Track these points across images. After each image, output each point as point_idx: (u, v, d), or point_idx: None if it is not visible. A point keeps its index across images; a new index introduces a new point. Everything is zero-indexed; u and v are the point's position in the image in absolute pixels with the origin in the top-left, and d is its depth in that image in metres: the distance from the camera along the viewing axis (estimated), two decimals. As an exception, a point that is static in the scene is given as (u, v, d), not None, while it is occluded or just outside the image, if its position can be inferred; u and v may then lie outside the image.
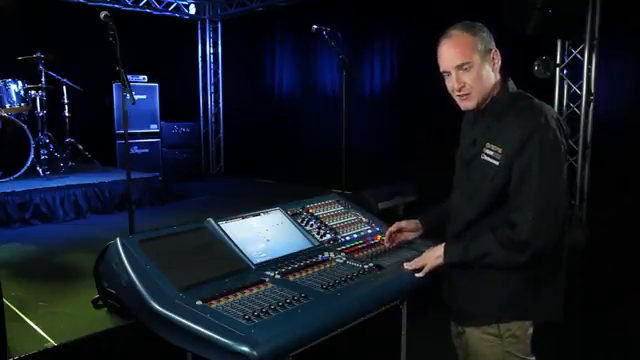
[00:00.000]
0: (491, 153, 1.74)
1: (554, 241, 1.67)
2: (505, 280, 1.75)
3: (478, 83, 1.76)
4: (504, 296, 1.77)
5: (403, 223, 2.22)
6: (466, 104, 1.81)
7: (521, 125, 1.68)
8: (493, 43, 1.79)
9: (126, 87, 3.13)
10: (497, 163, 1.72)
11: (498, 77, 1.81)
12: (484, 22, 1.82)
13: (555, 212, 1.67)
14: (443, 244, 1.88)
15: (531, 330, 1.81)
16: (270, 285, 1.81)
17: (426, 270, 1.90)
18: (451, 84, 1.80)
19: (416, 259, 1.95)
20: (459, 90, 1.78)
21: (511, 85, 1.83)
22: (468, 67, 1.75)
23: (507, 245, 1.67)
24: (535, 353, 1.87)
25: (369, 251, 2.21)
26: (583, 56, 4.88)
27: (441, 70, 1.82)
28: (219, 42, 9.04)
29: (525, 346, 1.81)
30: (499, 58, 1.80)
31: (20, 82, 5.70)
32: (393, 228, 2.22)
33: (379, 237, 2.41)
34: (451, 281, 1.94)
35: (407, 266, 1.96)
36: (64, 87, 6.13)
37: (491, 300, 1.80)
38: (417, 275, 1.92)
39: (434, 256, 1.88)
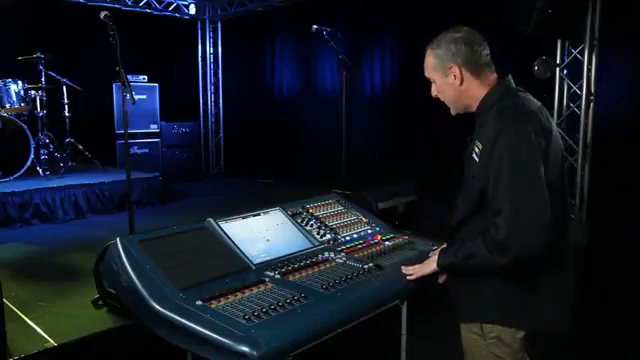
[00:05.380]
0: (477, 150, 1.73)
1: (538, 243, 1.60)
2: (492, 281, 1.73)
3: (444, 96, 1.88)
4: (490, 297, 1.75)
5: None
6: (451, 111, 1.92)
7: (496, 123, 1.68)
8: (456, 58, 1.77)
9: (126, 87, 3.14)
10: (477, 160, 1.72)
11: (477, 83, 1.79)
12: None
13: (533, 212, 1.61)
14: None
15: (520, 334, 1.76)
16: (270, 285, 1.81)
17: (417, 275, 1.93)
18: None
19: (416, 266, 1.95)
20: (436, 99, 1.92)
21: (506, 83, 1.80)
22: (433, 81, 1.88)
23: (491, 247, 1.65)
24: (532, 354, 1.85)
25: (369, 251, 2.21)
26: (583, 56, 4.87)
27: None
28: (219, 42, 9.03)
29: (513, 350, 1.77)
30: (459, 72, 1.79)
31: (20, 82, 5.71)
32: None
33: (379, 237, 2.41)
34: (451, 280, 1.93)
35: (404, 270, 1.98)
36: (64, 87, 6.13)
37: (476, 299, 1.79)
38: (408, 278, 1.95)
39: (429, 262, 1.91)
